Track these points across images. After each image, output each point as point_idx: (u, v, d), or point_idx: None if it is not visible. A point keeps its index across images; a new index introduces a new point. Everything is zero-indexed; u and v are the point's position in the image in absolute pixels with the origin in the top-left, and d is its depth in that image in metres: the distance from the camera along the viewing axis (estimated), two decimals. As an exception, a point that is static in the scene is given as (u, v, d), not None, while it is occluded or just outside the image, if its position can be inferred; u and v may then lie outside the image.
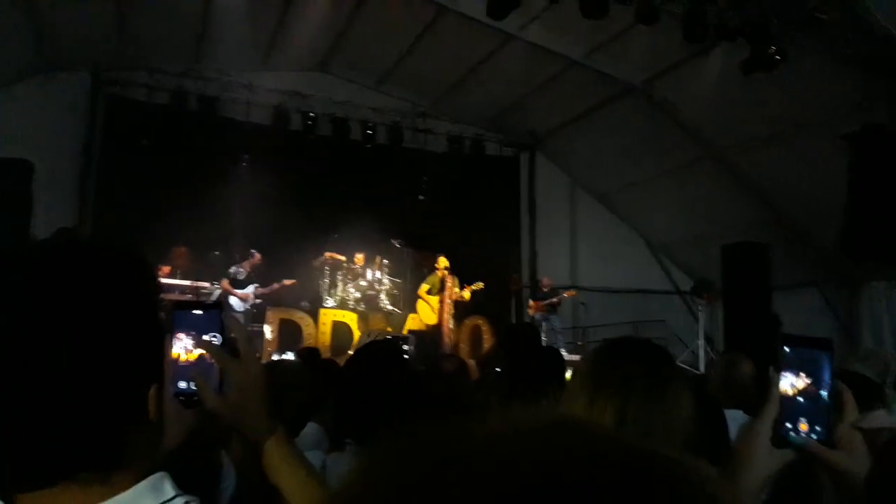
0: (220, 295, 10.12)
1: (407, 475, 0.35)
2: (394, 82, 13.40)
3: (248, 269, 10.31)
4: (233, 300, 10.17)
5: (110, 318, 0.83)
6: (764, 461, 1.16)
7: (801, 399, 1.16)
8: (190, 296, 9.73)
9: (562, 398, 1.45)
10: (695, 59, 10.19)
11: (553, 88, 12.15)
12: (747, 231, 10.91)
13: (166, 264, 10.14)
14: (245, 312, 10.23)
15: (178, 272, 10.22)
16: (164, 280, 9.89)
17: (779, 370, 1.18)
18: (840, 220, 9.23)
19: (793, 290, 11.33)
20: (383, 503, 0.34)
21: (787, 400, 1.17)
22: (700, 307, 12.10)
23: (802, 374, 1.17)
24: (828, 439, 1.14)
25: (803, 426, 1.16)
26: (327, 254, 11.28)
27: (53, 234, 5.27)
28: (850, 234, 9.03)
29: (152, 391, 0.88)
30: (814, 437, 1.15)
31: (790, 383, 1.17)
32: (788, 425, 1.16)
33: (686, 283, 13.97)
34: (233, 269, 10.27)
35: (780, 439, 1.16)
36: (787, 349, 1.19)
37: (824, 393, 1.16)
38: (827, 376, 1.17)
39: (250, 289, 10.28)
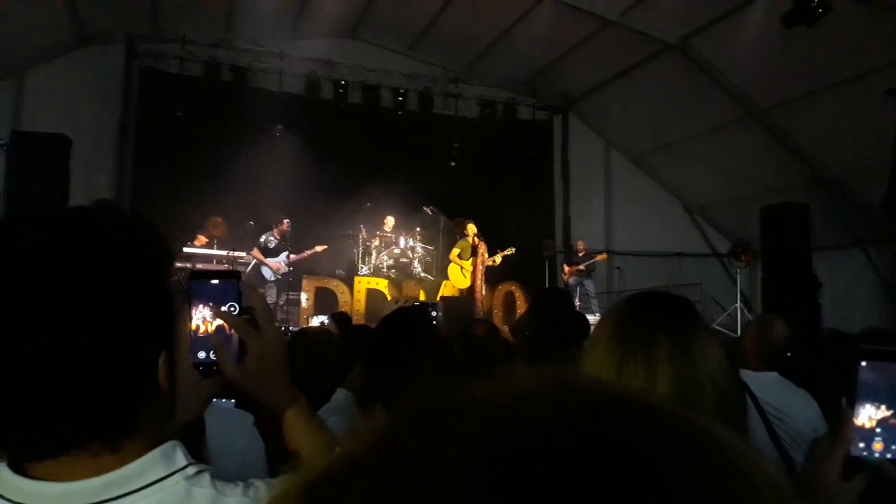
0: (256, 266, 10.26)
1: (396, 435, 0.34)
2: (424, 47, 13.29)
3: (279, 237, 10.35)
4: (264, 269, 10.28)
5: (114, 283, 0.81)
6: (834, 498, 1.09)
7: (877, 428, 1.08)
8: (226, 265, 9.87)
9: (585, 357, 1.42)
10: (733, 14, 9.90)
11: (587, 49, 11.94)
12: (787, 191, 10.68)
13: (204, 235, 10.28)
14: (278, 281, 10.33)
15: (216, 242, 10.36)
16: (200, 251, 10.04)
17: (853, 402, 1.08)
18: (884, 178, 8.97)
19: (835, 251, 11.11)
20: (371, 462, 0.33)
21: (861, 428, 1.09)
22: (738, 269, 11.92)
23: (882, 406, 1.08)
24: None
25: (878, 445, 1.08)
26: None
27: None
28: (894, 193, 8.78)
29: (162, 360, 0.86)
30: (889, 456, 1.08)
31: (868, 415, 1.08)
32: (861, 444, 1.09)
33: (723, 246, 13.78)
34: (263, 238, 10.31)
35: (852, 461, 1.08)
36: (863, 364, 1.08)
37: None
38: None
39: (282, 257, 10.33)
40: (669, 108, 12.31)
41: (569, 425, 0.32)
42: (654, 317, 1.32)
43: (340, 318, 5.68)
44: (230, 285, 1.05)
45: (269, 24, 11.76)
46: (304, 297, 10.37)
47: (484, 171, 13.11)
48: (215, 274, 1.05)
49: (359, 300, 10.57)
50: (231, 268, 9.27)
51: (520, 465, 0.30)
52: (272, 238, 10.28)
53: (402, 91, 13.16)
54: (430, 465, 0.31)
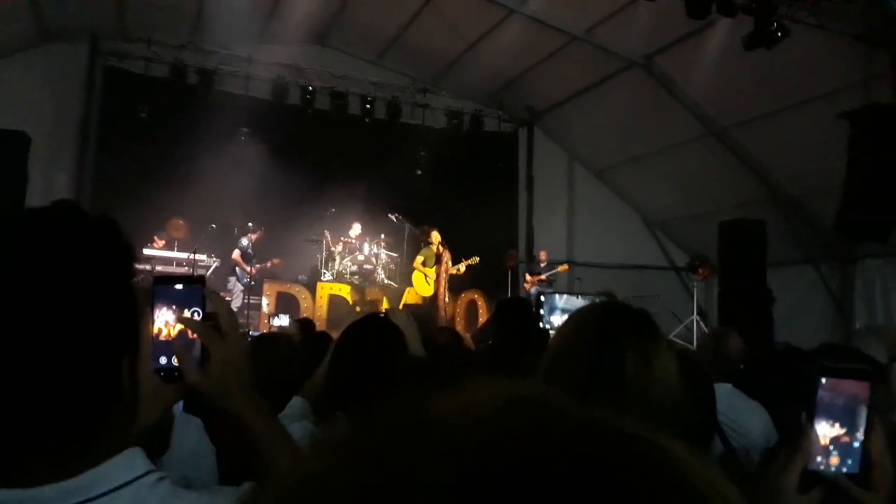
0: (216, 269, 10.18)
1: (354, 453, 0.34)
2: (393, 57, 13.30)
3: (253, 244, 10.43)
4: (239, 272, 10.29)
5: (78, 285, 0.79)
6: None
7: (831, 446, 1.09)
8: (186, 268, 9.76)
9: (546, 364, 1.42)
10: (697, 34, 10.11)
11: (553, 64, 12.07)
12: (745, 208, 10.91)
13: (163, 237, 10.16)
14: (246, 285, 10.35)
15: (176, 244, 10.24)
16: (160, 253, 9.91)
17: (812, 417, 1.09)
18: (837, 198, 9.24)
19: (788, 266, 11.38)
20: (326, 480, 0.33)
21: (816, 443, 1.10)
22: (695, 283, 12.15)
23: (837, 424, 1.09)
24: (859, 472, 1.08)
25: (834, 459, 1.09)
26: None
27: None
28: (846, 213, 9.04)
29: (125, 365, 0.85)
30: (844, 470, 1.09)
31: (822, 433, 1.09)
32: (818, 459, 1.09)
33: (681, 259, 14.02)
34: (244, 242, 10.35)
35: (809, 475, 1.09)
36: (823, 381, 1.10)
37: (859, 433, 1.09)
38: (862, 413, 1.09)
39: (251, 265, 10.42)
40: (632, 123, 12.50)
41: (537, 446, 0.32)
42: (621, 331, 1.34)
43: (303, 323, 5.66)
44: (194, 290, 1.04)
45: (237, 27, 11.64)
46: (265, 301, 10.31)
47: (450, 180, 13.18)
48: (179, 279, 1.05)
49: (321, 306, 10.52)
50: (194, 273, 9.18)
51: (492, 483, 0.30)
52: (250, 244, 10.34)
53: (369, 99, 13.14)
54: (401, 482, 0.31)
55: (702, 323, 11.62)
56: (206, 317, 1.04)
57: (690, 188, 12.87)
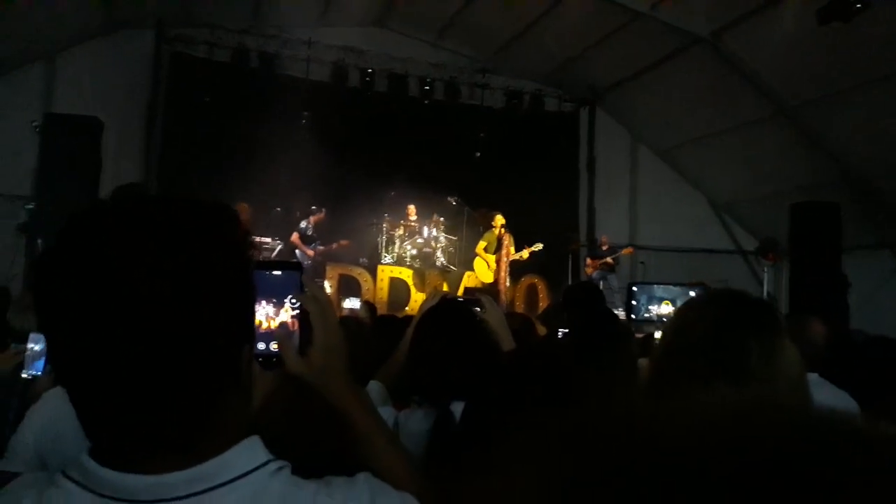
0: (281, 251, 10.36)
1: (595, 472, 0.32)
2: (452, 37, 13.23)
3: (313, 226, 10.57)
4: (299, 254, 10.46)
5: (206, 275, 0.79)
6: None
7: None
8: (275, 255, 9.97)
9: (658, 355, 1.35)
10: (767, 9, 9.75)
11: (615, 41, 11.81)
12: (816, 190, 10.55)
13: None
14: (307, 268, 10.50)
15: (241, 227, 10.45)
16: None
17: None
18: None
19: (863, 251, 10.96)
20: (575, 494, 0.32)
21: None
22: (764, 268, 11.80)
23: None
24: None
25: None
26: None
27: (112, 192, 4.99)
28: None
29: (245, 353, 0.86)
30: None
31: None
32: None
33: (749, 243, 13.63)
34: (303, 224, 10.53)
35: None
36: None
37: None
38: None
39: (313, 245, 10.56)
40: (698, 102, 12.18)
41: (793, 448, 0.31)
42: (744, 321, 1.28)
43: (371, 308, 5.70)
44: (292, 277, 1.03)
45: (297, 11, 11.76)
46: (327, 284, 10.43)
47: (509, 162, 13.03)
48: (277, 265, 1.04)
49: (381, 288, 10.60)
50: (294, 259, 9.37)
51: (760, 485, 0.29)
52: (309, 226, 10.49)
53: (428, 80, 13.12)
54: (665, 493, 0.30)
55: (772, 309, 11.28)
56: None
57: (759, 169, 12.48)
